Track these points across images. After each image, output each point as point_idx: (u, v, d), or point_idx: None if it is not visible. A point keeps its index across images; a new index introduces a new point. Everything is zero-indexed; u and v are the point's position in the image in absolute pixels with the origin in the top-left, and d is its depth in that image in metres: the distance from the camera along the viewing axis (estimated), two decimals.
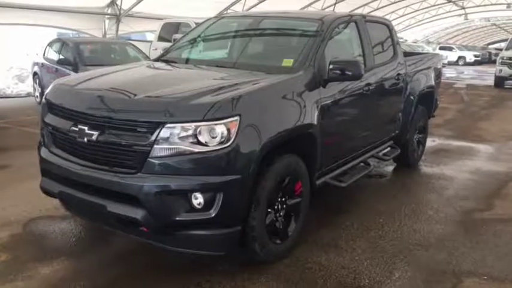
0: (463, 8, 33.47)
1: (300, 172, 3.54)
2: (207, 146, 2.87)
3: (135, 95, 3.15)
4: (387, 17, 31.05)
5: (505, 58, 16.90)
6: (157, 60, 4.47)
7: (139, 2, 14.70)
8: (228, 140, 2.88)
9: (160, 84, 3.46)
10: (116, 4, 14.77)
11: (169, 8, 15.30)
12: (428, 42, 46.04)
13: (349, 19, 4.56)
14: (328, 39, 4.03)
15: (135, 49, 10.61)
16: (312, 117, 3.58)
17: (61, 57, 9.60)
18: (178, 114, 2.88)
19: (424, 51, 25.89)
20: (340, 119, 4.10)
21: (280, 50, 4.20)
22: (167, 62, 4.33)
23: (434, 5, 31.05)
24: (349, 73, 3.75)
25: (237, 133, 2.90)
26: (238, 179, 2.93)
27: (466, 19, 38.55)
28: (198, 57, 4.47)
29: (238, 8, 18.49)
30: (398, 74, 5.23)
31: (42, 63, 10.47)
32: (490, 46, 52.72)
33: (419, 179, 5.69)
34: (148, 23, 16.12)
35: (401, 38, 36.22)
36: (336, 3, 22.56)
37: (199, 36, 4.71)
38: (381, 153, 5.23)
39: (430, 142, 7.55)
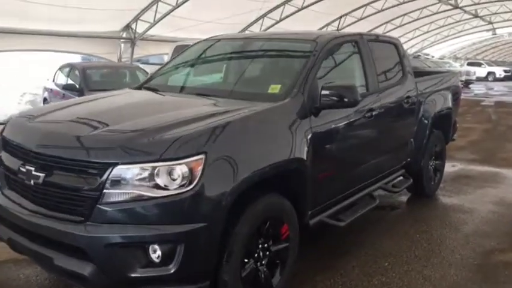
0: (490, 23, 32.52)
1: (286, 213, 3.09)
2: (166, 189, 2.48)
3: (93, 129, 2.80)
4: (410, 34, 30.48)
5: None
6: (139, 87, 4.13)
7: (153, 26, 14.63)
8: (190, 182, 2.49)
9: (126, 116, 3.09)
10: (131, 28, 14.74)
11: (183, 31, 15.17)
12: (456, 58, 45.03)
13: (348, 39, 4.15)
14: (322, 61, 3.62)
15: (144, 73, 10.40)
16: (300, 150, 3.15)
17: (68, 82, 9.46)
18: (133, 152, 2.51)
19: (450, 68, 25.18)
20: (337, 151, 3.65)
21: (268, 75, 3.82)
22: (148, 89, 3.99)
23: (460, 21, 30.26)
24: (344, 99, 3.32)
25: (202, 174, 2.50)
26: (203, 228, 2.51)
27: (495, 34, 37.49)
28: (180, 84, 4.10)
29: (255, 29, 18.29)
30: (408, 97, 4.75)
31: (51, 89, 10.36)
32: None
33: (435, 211, 5.14)
34: (164, 45, 16.01)
35: (428, 55, 35.48)
36: (355, 21, 22.15)
37: (186, 61, 4.36)
38: (390, 184, 4.73)
39: (450, 167, 6.98)
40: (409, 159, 5.04)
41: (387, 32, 26.07)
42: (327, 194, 3.62)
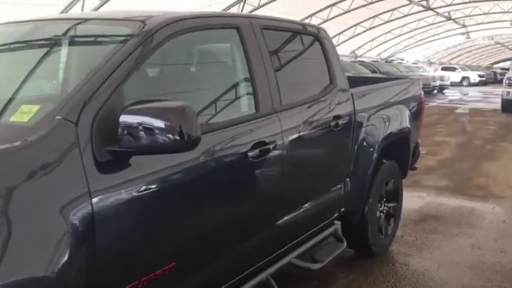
0: (464, 26, 31.50)
1: None
2: None
3: None
4: (382, 38, 29.15)
5: None
6: None
7: None
8: None
9: None
10: None
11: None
12: (430, 63, 44.10)
13: (218, 22, 2.42)
14: (147, 58, 1.92)
15: None
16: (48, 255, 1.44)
17: None
18: None
19: (424, 73, 23.90)
20: (173, 231, 1.95)
21: (29, 85, 2.07)
22: None
23: (432, 24, 29.12)
24: (160, 136, 1.63)
25: None
26: None
27: (468, 38, 36.60)
28: None
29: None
30: (338, 117, 3.09)
31: None
32: (495, 65, 50.55)
33: (382, 283, 3.47)
34: None
35: (402, 59, 34.31)
36: (321, 22, 20.65)
37: None
38: (307, 256, 3.03)
39: (415, 200, 5.35)
40: (343, 209, 3.37)
41: (357, 35, 24.75)
42: None
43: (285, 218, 2.68)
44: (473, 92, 26.13)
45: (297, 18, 19.75)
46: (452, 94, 24.42)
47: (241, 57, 2.44)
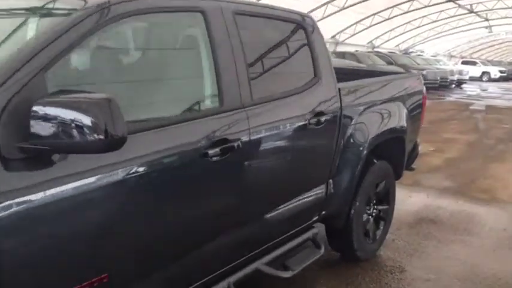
0: (486, 19, 30.57)
1: None
2: None
3: None
4: (401, 28, 28.38)
5: None
6: None
7: None
8: None
9: None
10: None
11: None
12: (451, 56, 43.13)
13: (173, 5, 2.14)
14: (78, 43, 1.69)
15: None
16: None
17: None
18: None
19: (442, 66, 23.29)
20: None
21: None
22: None
23: (454, 16, 28.30)
24: (79, 135, 1.41)
25: None
26: None
27: (491, 32, 35.56)
28: None
29: None
30: (321, 113, 2.84)
31: None
32: None
33: None
34: None
35: (422, 51, 33.53)
36: (338, 11, 20.17)
37: None
38: (278, 263, 2.81)
39: (414, 201, 5.09)
40: (324, 212, 3.14)
41: (374, 25, 24.19)
42: None
43: (252, 222, 2.47)
44: (493, 88, 25.42)
45: (312, 7, 19.31)
46: (470, 89, 23.79)
47: (205, 45, 2.21)
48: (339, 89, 3.06)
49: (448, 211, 4.92)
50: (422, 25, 29.27)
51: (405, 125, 3.84)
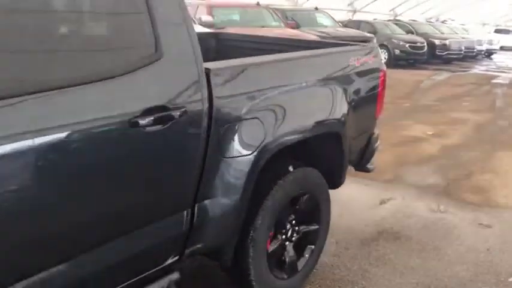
0: None
1: None
2: None
3: None
4: None
5: None
6: None
7: None
8: None
9: None
10: None
11: None
12: (484, 24, 40.47)
13: None
14: None
15: None
16: None
17: None
18: None
19: (465, 36, 21.47)
20: None
21: None
22: None
23: None
24: None
25: None
26: None
27: None
28: None
29: None
30: (162, 108, 1.85)
31: None
32: None
33: None
34: None
35: (452, 19, 31.32)
36: None
37: None
38: None
39: (380, 208, 4.04)
40: (188, 250, 2.18)
41: None
42: None
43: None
44: None
45: None
46: (500, 60, 21.94)
47: None
48: (208, 72, 2.05)
49: (421, 221, 3.88)
50: None
51: (343, 115, 2.81)
